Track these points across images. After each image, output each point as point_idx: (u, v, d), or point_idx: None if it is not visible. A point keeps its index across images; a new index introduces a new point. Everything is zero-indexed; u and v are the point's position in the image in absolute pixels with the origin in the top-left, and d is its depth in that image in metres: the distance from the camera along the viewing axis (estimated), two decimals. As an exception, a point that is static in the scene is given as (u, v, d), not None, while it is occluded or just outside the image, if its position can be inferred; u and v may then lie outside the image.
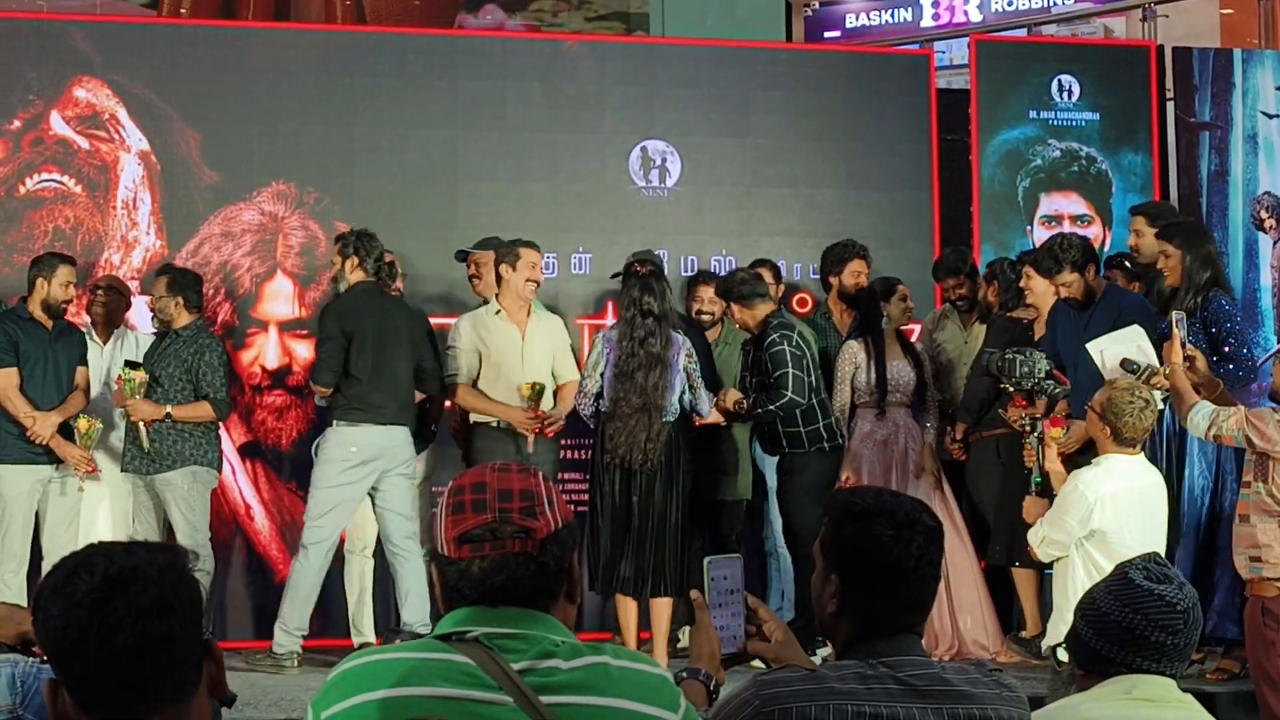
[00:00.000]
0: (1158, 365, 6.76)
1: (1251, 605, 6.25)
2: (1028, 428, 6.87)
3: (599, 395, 7.56)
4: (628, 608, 7.49)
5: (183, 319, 7.92)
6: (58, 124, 8.86)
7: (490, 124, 9.19)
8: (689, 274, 8.96)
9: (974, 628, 8.01)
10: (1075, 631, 3.23)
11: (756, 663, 3.15)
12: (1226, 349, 7.17)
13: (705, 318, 8.52)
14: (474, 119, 9.17)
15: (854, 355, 8.24)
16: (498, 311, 8.04)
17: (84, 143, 8.83)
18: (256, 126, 8.95)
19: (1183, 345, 6.60)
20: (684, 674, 2.90)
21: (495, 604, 2.44)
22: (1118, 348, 6.92)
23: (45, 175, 8.77)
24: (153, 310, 8.05)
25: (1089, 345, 7.12)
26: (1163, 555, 5.98)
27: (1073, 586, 6.18)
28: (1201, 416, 6.31)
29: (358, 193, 8.99)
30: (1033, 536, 6.35)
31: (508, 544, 2.44)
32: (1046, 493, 6.63)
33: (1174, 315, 6.73)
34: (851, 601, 2.88)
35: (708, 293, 8.51)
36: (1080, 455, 6.82)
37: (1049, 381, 7.07)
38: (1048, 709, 3.30)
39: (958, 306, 8.72)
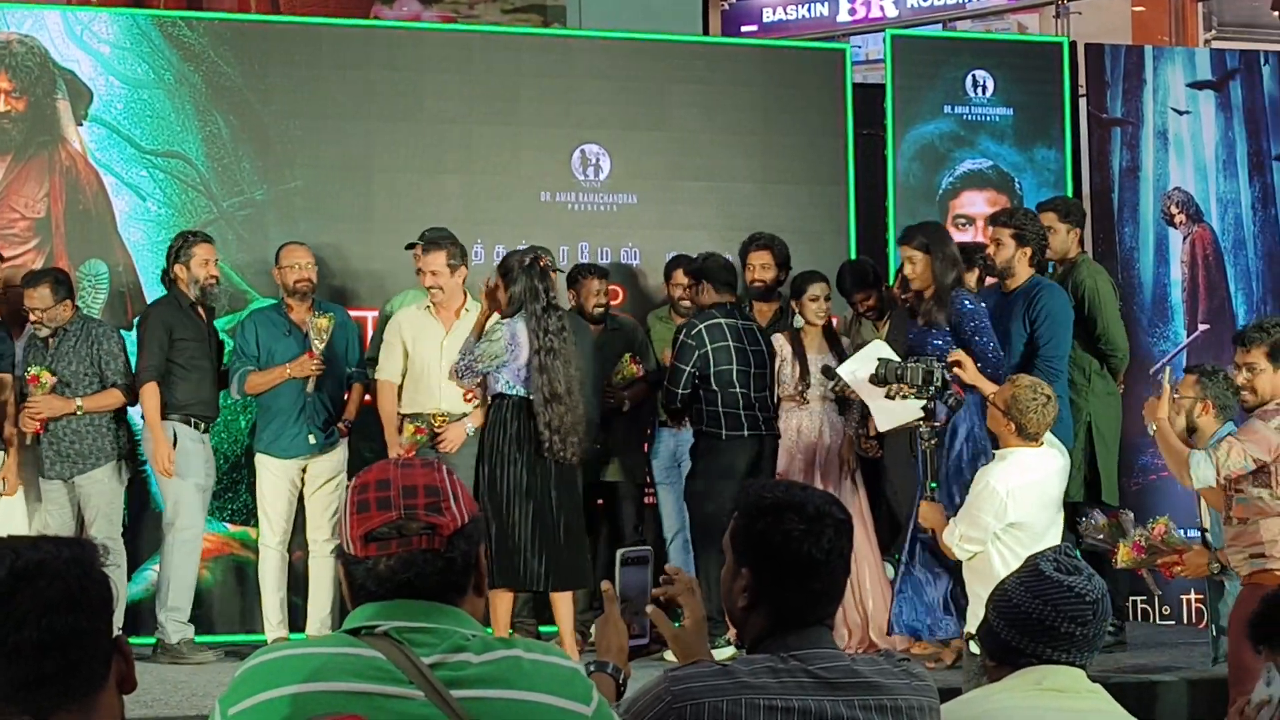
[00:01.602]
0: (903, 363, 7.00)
1: (1249, 593, 6.30)
2: (924, 435, 6.95)
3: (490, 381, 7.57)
4: (505, 600, 7.47)
5: (67, 315, 7.85)
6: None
7: (406, 115, 9.14)
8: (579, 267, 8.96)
9: (879, 624, 8.07)
10: (986, 623, 3.26)
11: (668, 655, 3.16)
12: (975, 348, 7.18)
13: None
14: (390, 110, 9.13)
15: (780, 348, 8.28)
16: (427, 306, 8.04)
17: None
18: (167, 117, 8.85)
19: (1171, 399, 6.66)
20: (592, 667, 2.90)
21: (404, 600, 2.43)
22: (866, 367, 7.13)
23: None
24: (42, 321, 7.86)
25: (840, 370, 7.31)
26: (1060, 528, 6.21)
27: (988, 577, 6.26)
28: (1204, 468, 6.33)
29: (272, 185, 8.92)
30: (948, 536, 6.41)
31: (414, 541, 2.42)
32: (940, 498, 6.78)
33: (1164, 377, 6.76)
34: (762, 595, 2.88)
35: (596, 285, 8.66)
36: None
37: (948, 393, 7.16)
38: (959, 699, 3.32)
39: (867, 317, 8.76)
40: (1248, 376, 6.25)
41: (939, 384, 7.15)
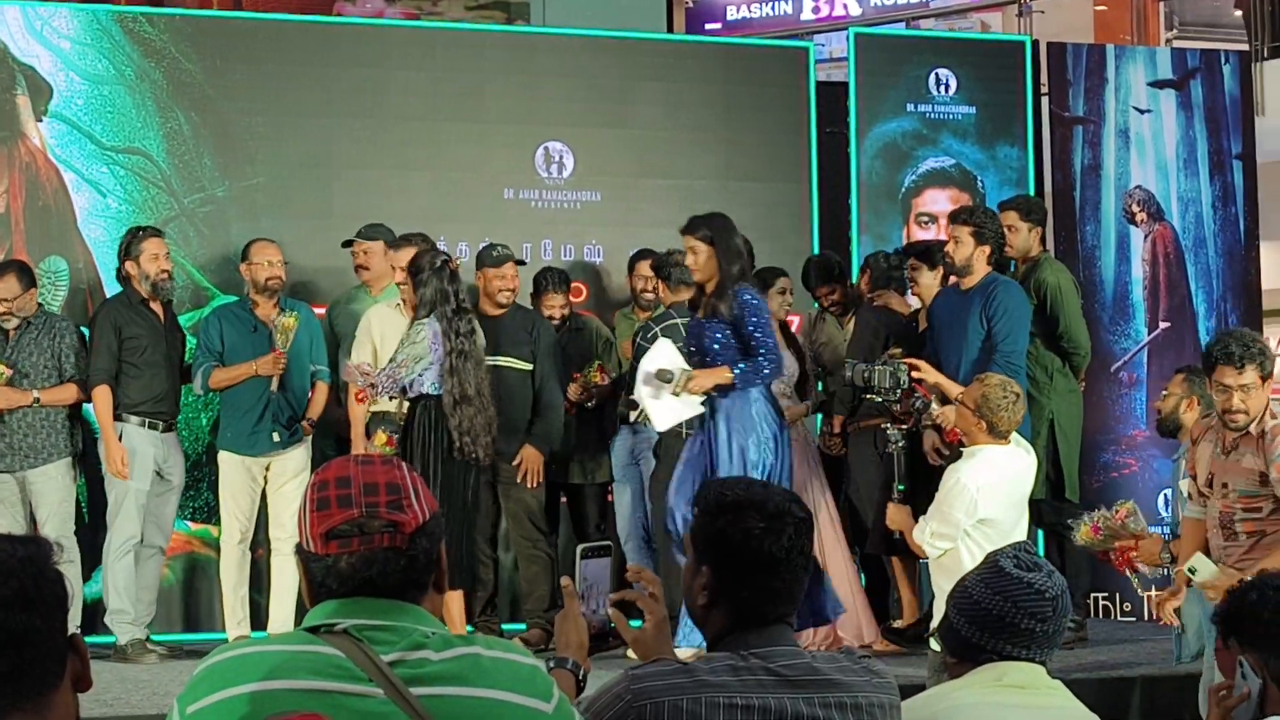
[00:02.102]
0: (690, 370, 7.08)
1: None
2: (892, 438, 6.98)
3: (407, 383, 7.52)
4: (457, 599, 7.47)
5: (33, 307, 7.82)
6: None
7: (369, 112, 9.12)
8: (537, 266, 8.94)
9: (847, 618, 8.09)
10: (947, 619, 3.26)
11: (630, 654, 3.16)
12: (753, 343, 7.13)
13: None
14: (353, 107, 9.10)
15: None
16: (398, 304, 8.03)
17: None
18: (128, 113, 8.80)
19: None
20: (552, 663, 2.90)
21: (364, 597, 2.42)
22: (652, 364, 7.21)
23: None
24: (11, 311, 7.81)
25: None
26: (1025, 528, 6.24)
27: (959, 574, 6.29)
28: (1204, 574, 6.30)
29: (233, 181, 8.89)
30: (918, 534, 6.43)
31: (376, 539, 2.41)
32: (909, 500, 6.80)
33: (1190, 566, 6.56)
34: (722, 593, 2.88)
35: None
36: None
37: (915, 395, 7.19)
38: (920, 696, 3.33)
39: (831, 312, 8.78)
40: (1242, 398, 5.83)
41: (905, 386, 7.19)
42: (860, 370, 7.35)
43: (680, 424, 7.68)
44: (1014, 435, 6.50)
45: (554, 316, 8.52)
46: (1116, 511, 6.90)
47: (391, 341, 7.90)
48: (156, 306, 8.00)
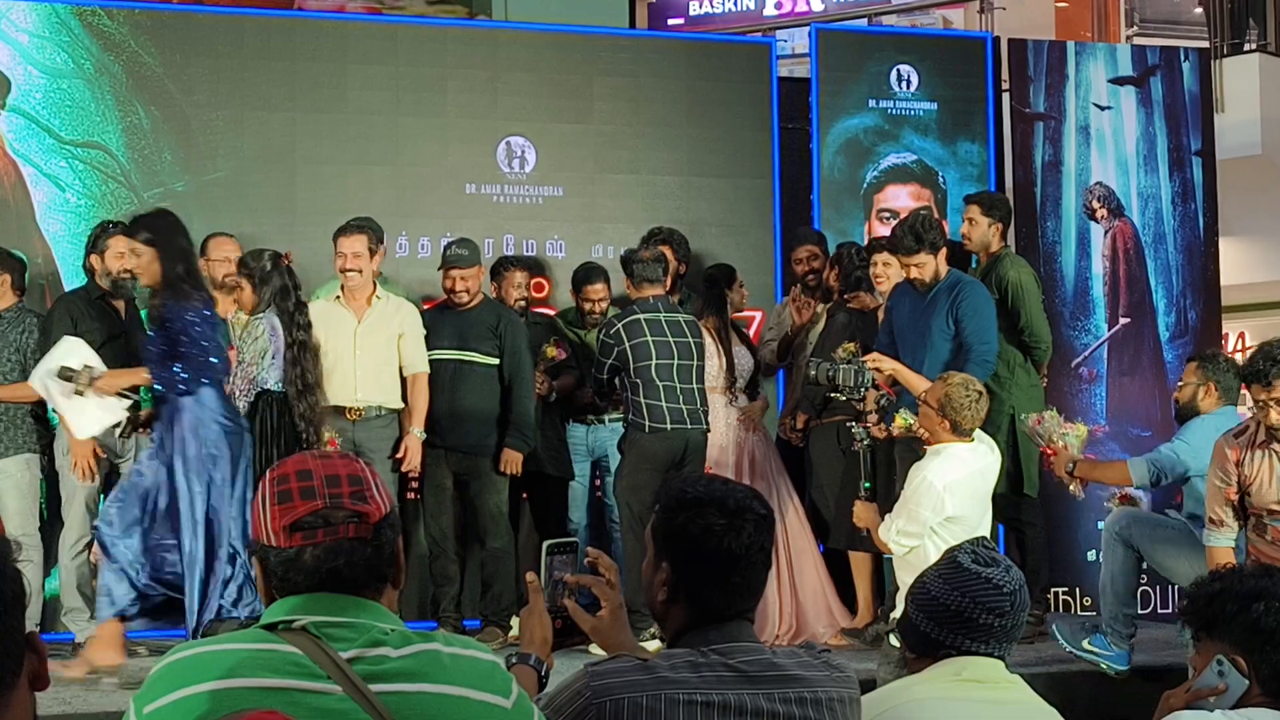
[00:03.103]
0: (96, 368, 6.97)
1: None
2: (858, 436, 7.02)
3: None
4: None
5: (7, 300, 7.75)
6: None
7: (330, 106, 9.09)
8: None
9: (815, 611, 8.11)
10: (906, 615, 3.27)
11: (594, 648, 3.16)
12: (180, 348, 6.87)
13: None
14: (313, 101, 9.07)
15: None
16: (337, 297, 8.01)
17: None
18: (87, 107, 8.75)
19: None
20: (514, 659, 2.90)
21: (329, 590, 2.41)
22: (54, 361, 7.05)
23: None
24: None
25: (36, 372, 7.17)
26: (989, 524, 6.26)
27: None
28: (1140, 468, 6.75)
29: (194, 176, 8.85)
30: (884, 532, 6.47)
31: (341, 529, 2.41)
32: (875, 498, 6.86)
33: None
34: (682, 589, 2.89)
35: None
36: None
37: (878, 391, 7.20)
38: (879, 691, 3.34)
39: (806, 282, 8.78)
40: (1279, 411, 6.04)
41: (869, 385, 7.22)
42: (825, 369, 7.38)
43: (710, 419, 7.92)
44: (978, 432, 6.54)
45: (515, 299, 8.51)
46: (1035, 419, 7.20)
47: (336, 336, 7.87)
48: (118, 303, 7.95)
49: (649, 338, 7.86)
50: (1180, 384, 7.39)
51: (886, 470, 7.50)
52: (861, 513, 6.74)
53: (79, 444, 7.55)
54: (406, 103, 9.19)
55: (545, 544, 3.09)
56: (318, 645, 2.34)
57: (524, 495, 8.56)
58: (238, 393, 7.25)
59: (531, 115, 9.36)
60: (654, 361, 7.85)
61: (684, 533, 2.87)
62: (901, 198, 9.82)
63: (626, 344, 7.84)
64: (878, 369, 7.26)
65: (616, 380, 8.00)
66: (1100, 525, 7.97)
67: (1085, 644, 7.07)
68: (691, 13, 15.80)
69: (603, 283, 8.64)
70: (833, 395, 7.55)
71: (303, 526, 2.41)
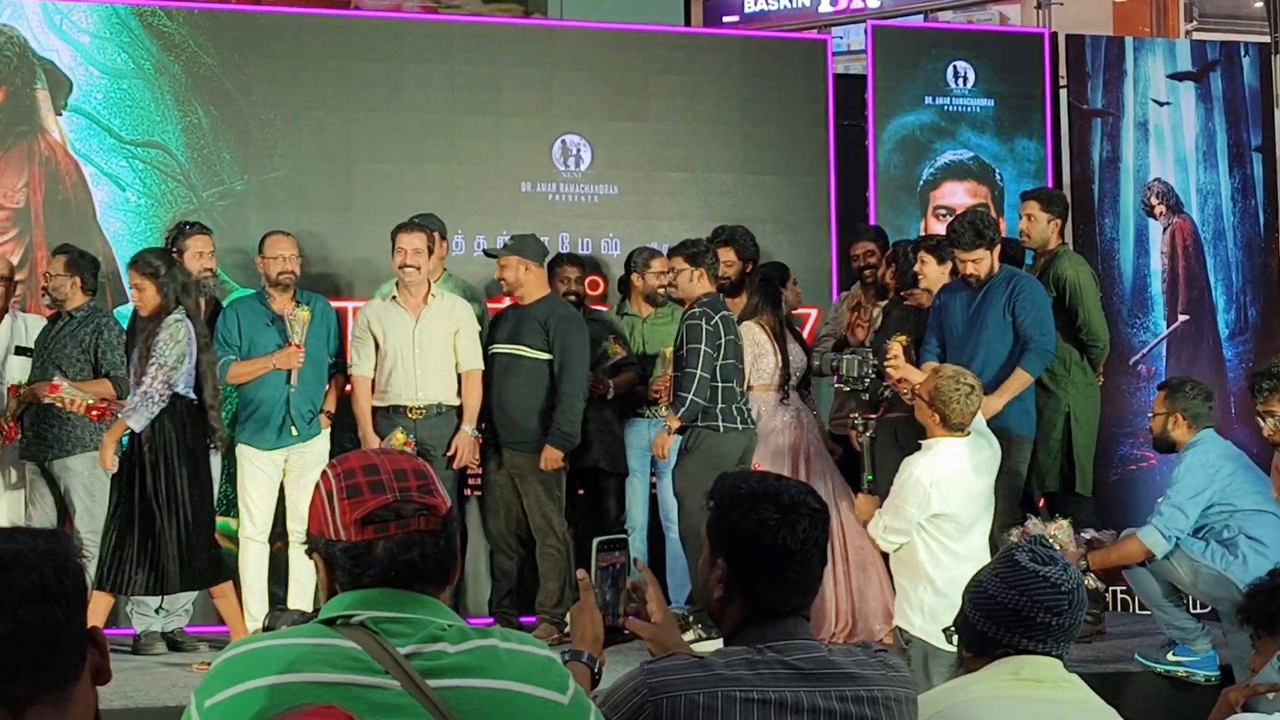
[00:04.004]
0: None
1: None
2: (860, 427, 6.96)
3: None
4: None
5: (77, 300, 7.83)
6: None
7: (386, 105, 9.13)
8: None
9: (873, 610, 8.07)
10: (963, 614, 3.26)
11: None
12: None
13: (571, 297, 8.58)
14: (370, 100, 9.12)
15: (754, 338, 8.23)
16: (393, 297, 8.04)
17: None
18: (147, 107, 8.83)
19: None
20: (567, 655, 2.90)
21: (399, 583, 2.42)
22: None
23: None
24: (45, 288, 7.91)
25: None
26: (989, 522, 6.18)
27: (914, 568, 6.32)
28: (1154, 536, 6.78)
29: (252, 175, 8.92)
30: (873, 528, 6.43)
31: (411, 522, 2.43)
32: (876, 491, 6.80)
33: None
34: (738, 586, 2.88)
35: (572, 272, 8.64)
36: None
37: (883, 383, 7.16)
38: (936, 690, 3.33)
39: (863, 277, 8.78)
40: (1274, 424, 6.24)
41: (873, 375, 7.18)
42: (828, 359, 7.38)
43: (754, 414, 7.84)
44: (978, 426, 6.48)
45: (564, 292, 8.52)
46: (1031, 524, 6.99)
47: (394, 335, 7.91)
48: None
49: (732, 336, 7.85)
50: (1150, 414, 7.33)
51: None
52: (862, 505, 6.68)
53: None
54: (462, 101, 9.23)
55: (595, 541, 3.09)
56: (376, 640, 2.35)
57: (579, 491, 8.58)
58: (156, 397, 7.20)
59: (587, 113, 9.38)
60: (734, 361, 7.85)
61: (739, 528, 2.87)
62: (958, 195, 9.79)
63: (723, 338, 7.80)
64: (892, 366, 7.20)
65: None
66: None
67: (1170, 658, 7.02)
68: (746, 10, 15.77)
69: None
70: (835, 385, 7.52)
71: (374, 520, 2.42)
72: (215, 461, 7.69)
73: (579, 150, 9.35)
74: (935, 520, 6.23)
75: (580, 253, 9.13)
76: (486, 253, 8.43)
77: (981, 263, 7.64)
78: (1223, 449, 7.02)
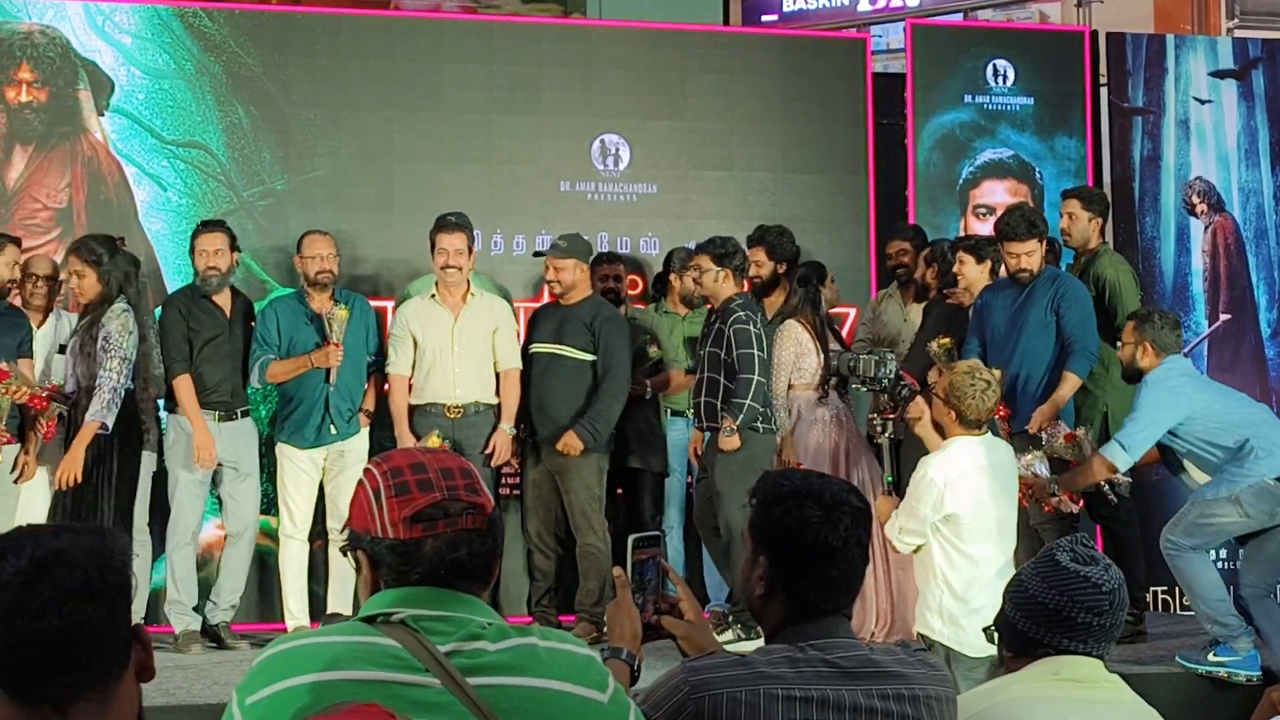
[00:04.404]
0: None
1: None
2: (879, 428, 6.91)
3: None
4: None
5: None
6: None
7: (426, 105, 9.16)
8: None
9: (914, 610, 8.04)
10: (1003, 614, 3.25)
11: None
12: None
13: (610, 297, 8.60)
14: (410, 100, 9.14)
15: (796, 337, 8.22)
16: (432, 295, 8.06)
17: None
18: (188, 107, 8.87)
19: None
20: (605, 653, 2.90)
21: (445, 581, 2.43)
22: None
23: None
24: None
25: None
26: (1014, 527, 6.12)
27: (931, 571, 6.22)
28: (1118, 451, 6.87)
29: (292, 175, 8.95)
30: (889, 529, 6.32)
31: (459, 520, 2.44)
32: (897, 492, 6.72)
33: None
34: (779, 583, 2.88)
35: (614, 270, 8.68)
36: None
37: (900, 384, 7.11)
38: (976, 690, 3.32)
39: (897, 276, 8.77)
40: None
41: (891, 376, 7.12)
42: (845, 359, 7.34)
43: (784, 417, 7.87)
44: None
45: (609, 289, 8.56)
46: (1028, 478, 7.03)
47: (434, 333, 7.92)
48: (221, 299, 8.05)
49: (766, 337, 7.90)
50: (1119, 343, 7.42)
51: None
52: (882, 507, 6.51)
53: (205, 434, 7.81)
54: (501, 101, 9.24)
55: (631, 538, 3.10)
56: (416, 639, 2.36)
57: (619, 491, 8.59)
58: (122, 391, 7.22)
59: (626, 112, 9.39)
60: (769, 361, 7.90)
61: (780, 526, 2.87)
62: (998, 193, 9.76)
63: (765, 340, 7.85)
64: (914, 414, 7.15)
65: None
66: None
67: (1211, 658, 6.99)
68: (785, 9, 15.75)
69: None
70: (853, 386, 7.48)
71: (423, 518, 2.43)
72: (148, 456, 7.76)
73: (618, 149, 9.35)
74: (949, 521, 6.13)
75: (619, 251, 9.13)
76: (539, 253, 8.36)
77: (1034, 255, 7.64)
78: (1183, 368, 7.17)
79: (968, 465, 6.16)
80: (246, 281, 8.59)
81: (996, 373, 6.59)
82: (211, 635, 7.95)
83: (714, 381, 7.91)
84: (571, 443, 7.92)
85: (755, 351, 7.73)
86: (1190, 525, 7.03)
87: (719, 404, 7.87)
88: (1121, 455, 6.96)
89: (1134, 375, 7.24)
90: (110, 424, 7.17)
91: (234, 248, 8.04)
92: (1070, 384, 7.57)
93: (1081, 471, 7.14)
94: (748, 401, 7.73)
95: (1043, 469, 7.06)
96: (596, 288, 8.47)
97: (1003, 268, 8.00)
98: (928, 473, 6.15)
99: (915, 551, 6.29)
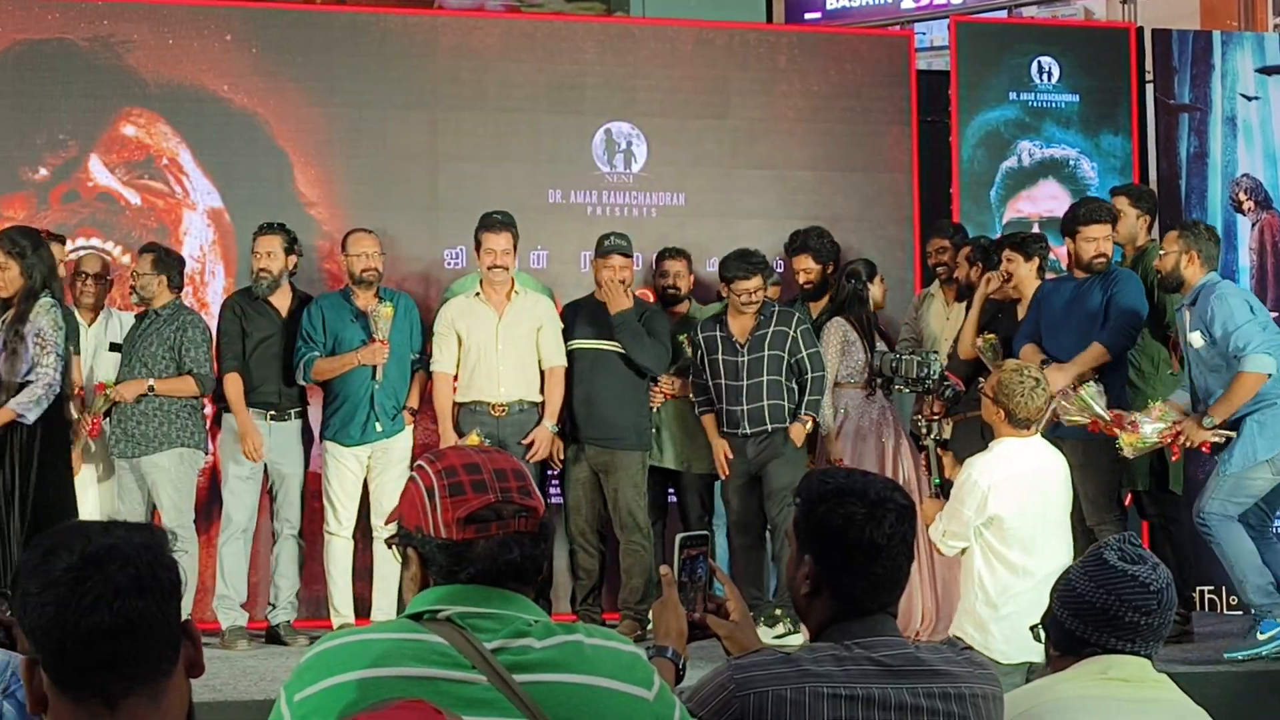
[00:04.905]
0: None
1: None
2: (924, 429, 6.84)
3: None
4: None
5: (163, 298, 7.92)
6: (98, 171, 8.74)
7: (470, 104, 9.17)
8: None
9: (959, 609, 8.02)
10: (1051, 613, 3.24)
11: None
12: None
13: (671, 292, 8.60)
14: (454, 99, 9.16)
15: (843, 334, 8.23)
16: (477, 293, 8.08)
17: (133, 196, 8.76)
18: (236, 109, 8.92)
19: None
20: (650, 651, 2.90)
21: (497, 582, 2.44)
22: None
23: (81, 242, 8.59)
24: (133, 286, 8.02)
25: None
26: (1066, 532, 6.01)
27: (969, 575, 6.13)
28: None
29: (337, 175, 8.99)
30: (933, 532, 6.22)
31: (511, 523, 2.45)
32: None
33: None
34: (825, 582, 2.88)
35: (675, 266, 8.62)
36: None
37: (945, 384, 7.05)
38: (1023, 689, 3.31)
39: (937, 274, 8.75)
40: None
41: (935, 376, 7.07)
42: (889, 359, 7.30)
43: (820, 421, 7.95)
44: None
45: (664, 287, 8.62)
46: (1151, 410, 7.10)
47: (478, 331, 7.94)
48: (278, 300, 8.11)
49: None
50: (1161, 253, 7.38)
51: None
52: (929, 509, 6.39)
53: (251, 431, 7.92)
54: (545, 100, 9.25)
55: (678, 537, 3.11)
56: (463, 635, 2.37)
57: (669, 489, 8.59)
58: (56, 386, 7.21)
59: (668, 110, 9.38)
60: None
61: (825, 523, 2.87)
62: (1043, 191, 9.71)
63: None
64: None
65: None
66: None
67: (1259, 636, 6.94)
68: (828, 7, 15.71)
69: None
70: (895, 387, 7.45)
71: (476, 519, 2.44)
72: (193, 454, 7.86)
73: (647, 151, 9.33)
74: (993, 524, 6.00)
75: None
76: (614, 252, 8.32)
77: (1107, 241, 7.62)
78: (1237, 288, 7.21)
79: (1015, 467, 6.03)
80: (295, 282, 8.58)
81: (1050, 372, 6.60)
82: (274, 637, 8.01)
83: (775, 384, 7.95)
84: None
85: (821, 351, 8.02)
86: (1229, 492, 7.01)
87: (786, 404, 8.00)
88: (1264, 359, 6.88)
89: (1175, 284, 7.24)
90: (31, 419, 7.13)
91: (291, 250, 8.12)
92: (1093, 352, 7.50)
93: (1237, 394, 7.01)
94: (824, 398, 8.03)
95: (1097, 399, 7.11)
96: (658, 284, 8.62)
97: (1063, 262, 8.01)
98: (971, 474, 6.03)
99: (960, 554, 6.22)
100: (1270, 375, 6.93)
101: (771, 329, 8.00)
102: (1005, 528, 5.98)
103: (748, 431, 8.02)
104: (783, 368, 7.98)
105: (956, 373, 8.14)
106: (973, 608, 6.10)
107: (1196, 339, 7.06)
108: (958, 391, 7.14)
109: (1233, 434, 7.09)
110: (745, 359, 7.99)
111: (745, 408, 8.01)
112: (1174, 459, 7.49)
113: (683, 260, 8.69)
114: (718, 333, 8.08)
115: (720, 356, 8.04)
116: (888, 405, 8.28)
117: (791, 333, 7.95)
